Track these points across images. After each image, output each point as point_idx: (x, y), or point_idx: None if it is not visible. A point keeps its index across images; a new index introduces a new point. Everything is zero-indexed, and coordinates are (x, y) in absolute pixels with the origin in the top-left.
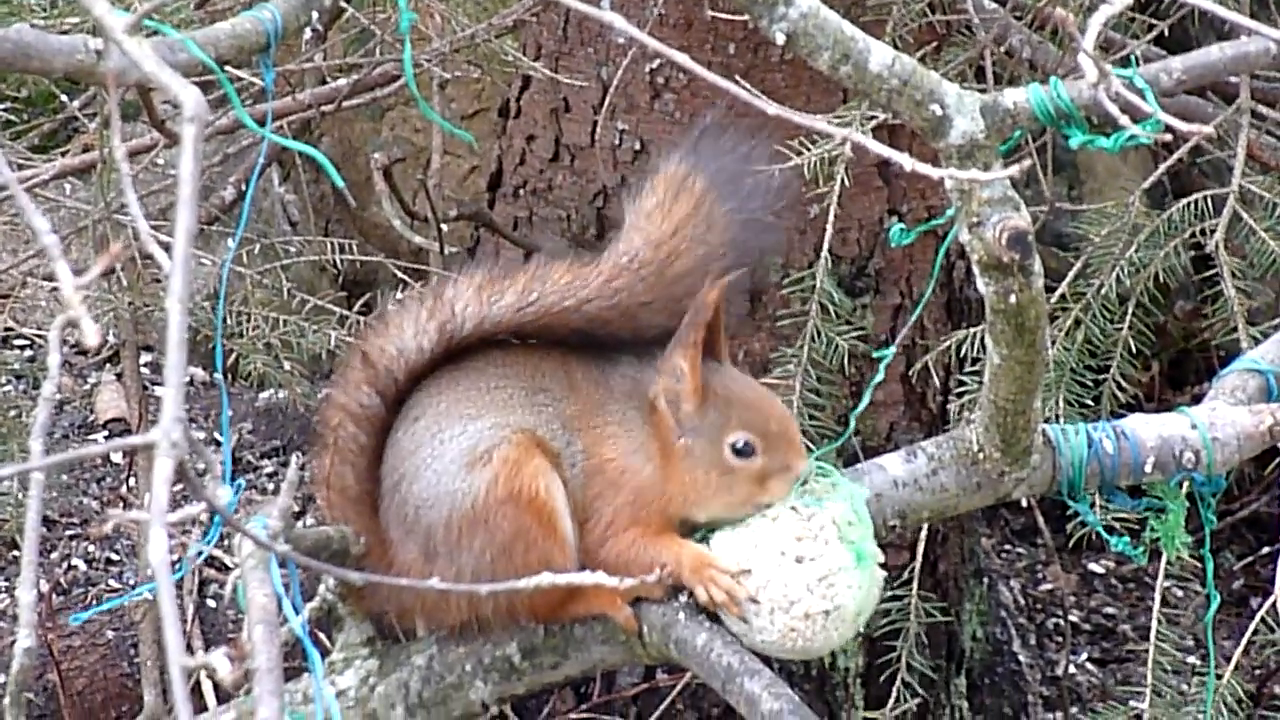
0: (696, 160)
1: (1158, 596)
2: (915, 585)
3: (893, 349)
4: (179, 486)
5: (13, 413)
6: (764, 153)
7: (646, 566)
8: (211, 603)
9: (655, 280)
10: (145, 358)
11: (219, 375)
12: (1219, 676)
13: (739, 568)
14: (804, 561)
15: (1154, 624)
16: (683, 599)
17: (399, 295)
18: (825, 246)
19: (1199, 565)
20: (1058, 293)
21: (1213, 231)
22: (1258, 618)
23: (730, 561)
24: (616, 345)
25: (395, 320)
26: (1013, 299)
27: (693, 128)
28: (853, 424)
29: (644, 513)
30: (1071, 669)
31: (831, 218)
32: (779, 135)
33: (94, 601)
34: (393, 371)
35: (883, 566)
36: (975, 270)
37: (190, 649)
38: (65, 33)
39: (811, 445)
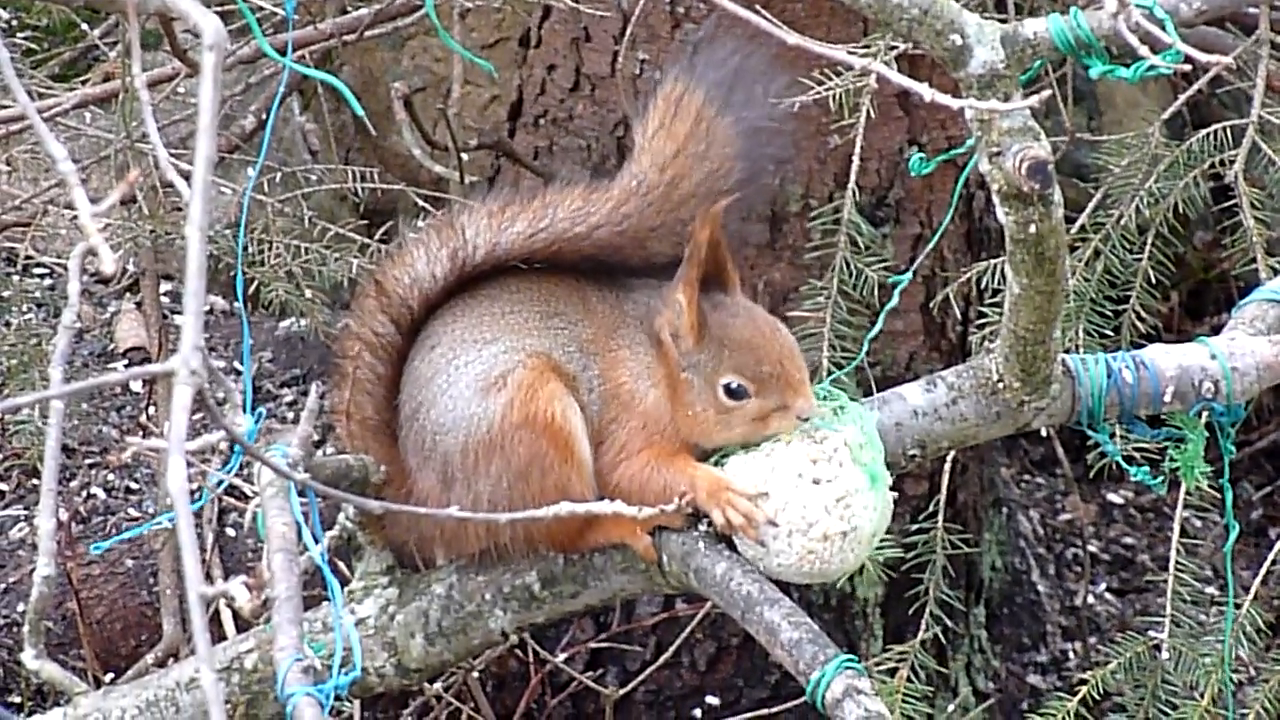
0: (692, 76)
1: (1176, 526)
2: (941, 518)
3: (908, 275)
4: (199, 415)
5: (33, 341)
6: (759, 61)
7: (661, 490)
8: (231, 531)
9: (662, 204)
10: (165, 286)
11: (239, 304)
12: (1238, 606)
13: (756, 490)
14: (821, 483)
15: (1173, 554)
16: (702, 528)
17: (419, 224)
18: (852, 178)
19: (1218, 495)
20: (1077, 223)
21: (1232, 162)
22: (1277, 548)
23: (748, 484)
24: (628, 273)
25: (409, 249)
26: (1033, 229)
27: (687, 43)
28: (866, 347)
29: (656, 436)
30: (1090, 599)
31: (857, 149)
32: (798, 65)
33: (113, 530)
34: (407, 300)
35: (899, 493)
36: (995, 200)
37: (210, 578)
38: None
39: (833, 370)
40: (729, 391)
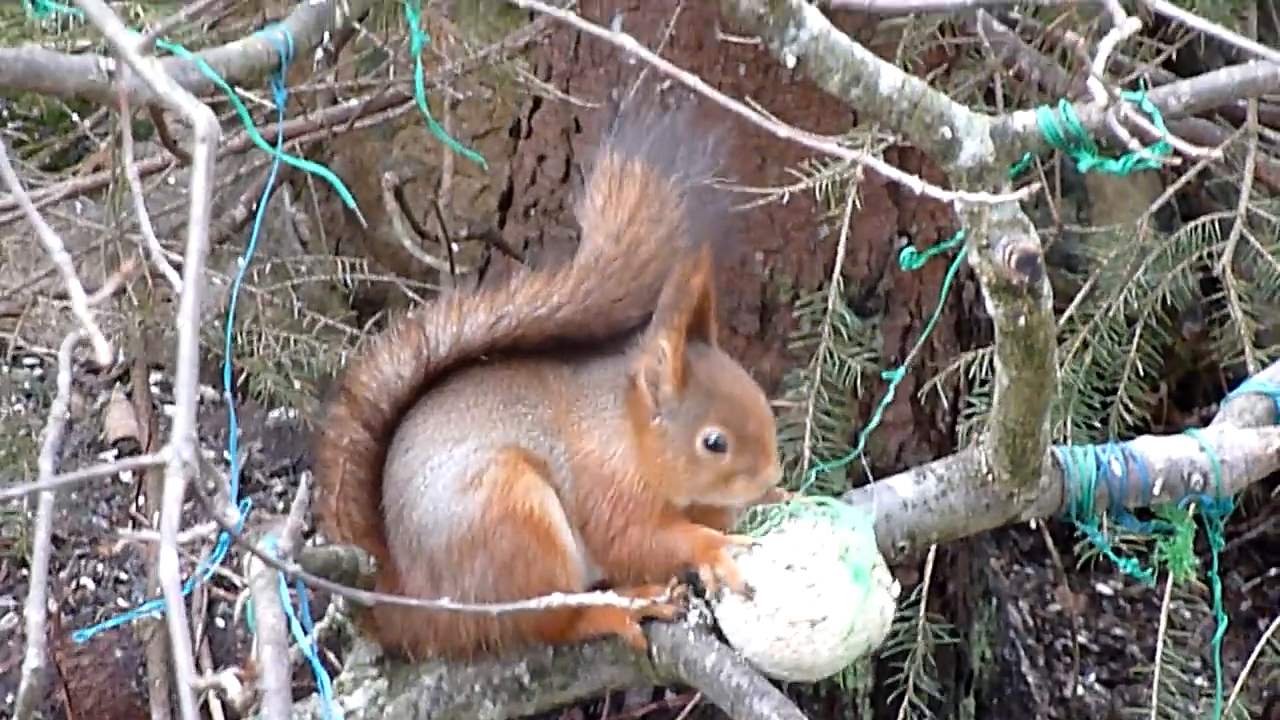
0: (626, 146)
1: (1165, 618)
2: (924, 607)
3: (902, 370)
4: (189, 505)
5: (23, 431)
6: (684, 121)
7: (664, 557)
8: (221, 622)
9: (623, 273)
10: (155, 376)
11: (228, 394)
12: (1226, 698)
13: (748, 541)
14: (794, 569)
15: (1159, 645)
16: (693, 619)
17: (409, 315)
18: (837, 269)
19: (1207, 587)
20: (1066, 314)
21: (1220, 254)
22: (1265, 639)
23: (740, 541)
24: (594, 346)
25: (376, 353)
26: (1022, 321)
27: (609, 116)
28: (862, 443)
29: (633, 505)
30: (1080, 690)
31: (843, 239)
32: (787, 156)
33: (103, 620)
34: (376, 404)
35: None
36: (984, 292)
37: (199, 668)
38: (78, 53)
39: (819, 463)
40: (708, 444)
